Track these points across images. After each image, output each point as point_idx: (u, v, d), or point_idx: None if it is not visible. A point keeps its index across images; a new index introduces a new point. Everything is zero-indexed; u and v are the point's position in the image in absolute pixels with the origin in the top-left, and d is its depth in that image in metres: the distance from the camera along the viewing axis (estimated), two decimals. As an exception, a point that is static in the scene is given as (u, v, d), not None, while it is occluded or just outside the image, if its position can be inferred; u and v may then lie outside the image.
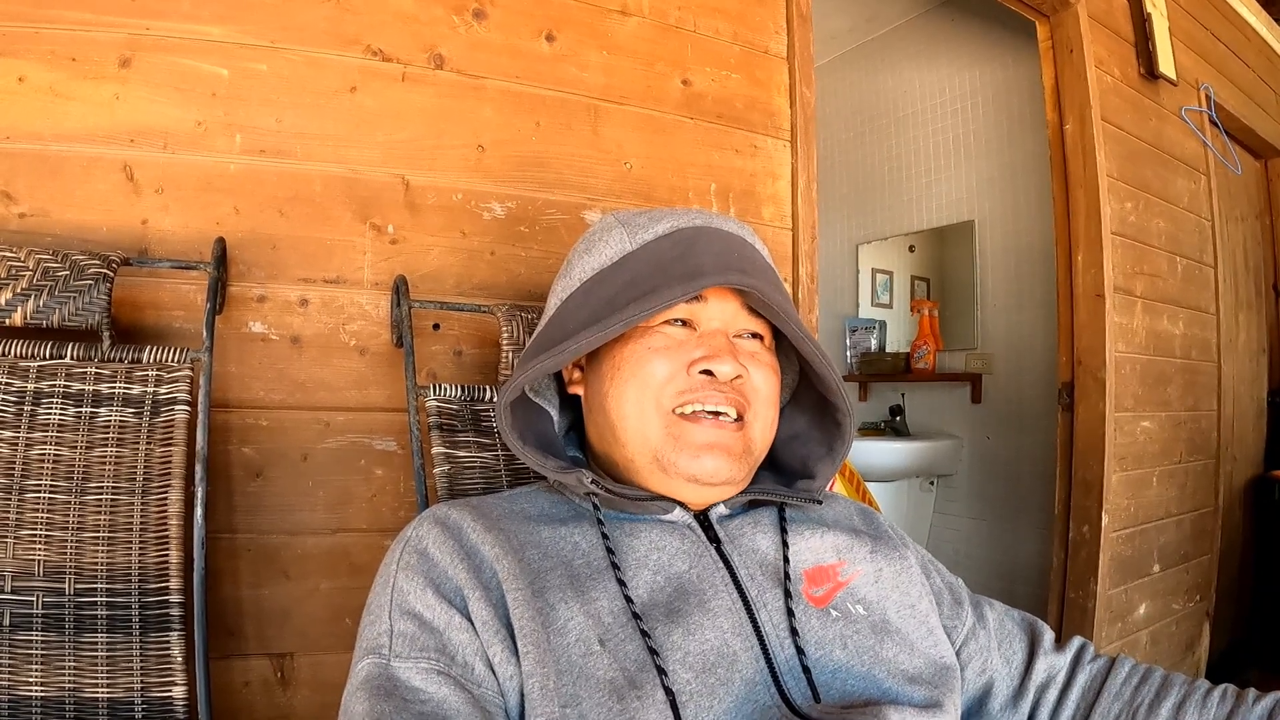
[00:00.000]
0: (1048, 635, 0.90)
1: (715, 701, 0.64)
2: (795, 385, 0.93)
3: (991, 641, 0.87)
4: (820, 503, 0.84)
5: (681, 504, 0.78)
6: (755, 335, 0.82)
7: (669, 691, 0.63)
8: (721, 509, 0.80)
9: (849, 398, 0.83)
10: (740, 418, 0.77)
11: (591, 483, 0.76)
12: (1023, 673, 0.87)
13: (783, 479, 0.88)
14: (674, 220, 0.84)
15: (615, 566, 0.72)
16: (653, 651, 0.65)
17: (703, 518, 0.79)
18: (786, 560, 0.77)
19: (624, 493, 0.77)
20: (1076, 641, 0.90)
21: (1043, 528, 2.79)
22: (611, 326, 0.74)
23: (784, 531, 0.80)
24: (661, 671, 0.64)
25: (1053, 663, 0.87)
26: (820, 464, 0.86)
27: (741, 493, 0.81)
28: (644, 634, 0.66)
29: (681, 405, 0.76)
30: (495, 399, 1.12)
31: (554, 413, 0.90)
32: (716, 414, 0.76)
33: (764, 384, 0.79)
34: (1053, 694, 0.86)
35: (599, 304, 0.78)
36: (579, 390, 0.86)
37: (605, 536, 0.74)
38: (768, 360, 0.81)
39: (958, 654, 0.85)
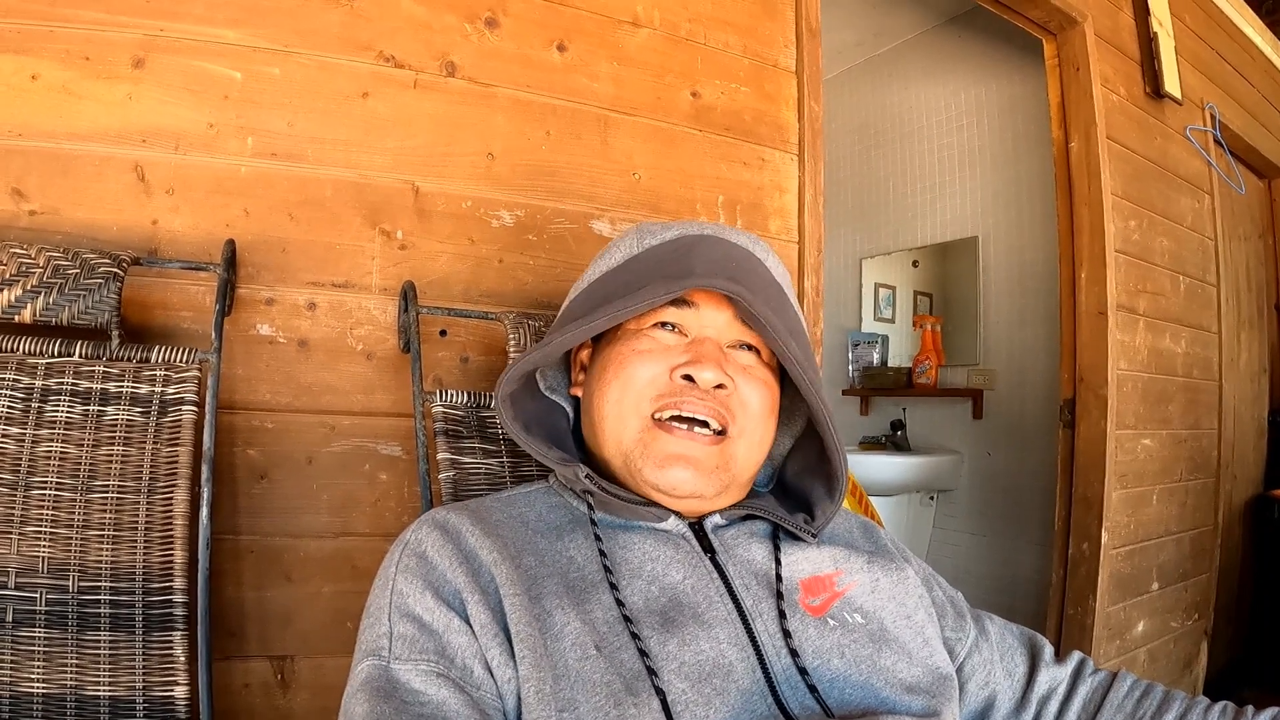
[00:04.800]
0: (1048, 649, 0.90)
1: (711, 711, 0.64)
2: (807, 420, 0.91)
3: (994, 655, 0.88)
4: (815, 535, 0.82)
5: (676, 512, 0.78)
6: (751, 348, 0.81)
7: (664, 701, 0.63)
8: (717, 519, 0.80)
9: (837, 434, 0.80)
10: (723, 431, 0.77)
11: (586, 477, 0.76)
12: (1025, 685, 0.87)
13: (786, 505, 0.87)
14: (684, 229, 0.85)
15: (608, 570, 0.72)
16: (644, 654, 0.65)
17: (697, 527, 0.79)
18: (779, 568, 0.77)
19: (616, 493, 0.77)
20: (1076, 655, 0.91)
21: (1042, 544, 2.78)
22: (594, 322, 0.74)
23: (776, 542, 0.80)
24: (654, 674, 0.64)
25: (1054, 675, 0.88)
26: (820, 504, 0.84)
27: (737, 506, 0.81)
28: (636, 639, 0.67)
29: (660, 410, 0.76)
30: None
31: (569, 408, 0.90)
32: (693, 423, 0.76)
33: (754, 399, 0.78)
34: (1054, 705, 0.87)
35: (594, 303, 0.79)
36: (579, 392, 0.87)
37: (601, 547, 0.74)
38: (761, 375, 0.80)
39: (961, 668, 0.85)
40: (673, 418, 0.76)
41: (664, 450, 0.75)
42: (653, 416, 0.76)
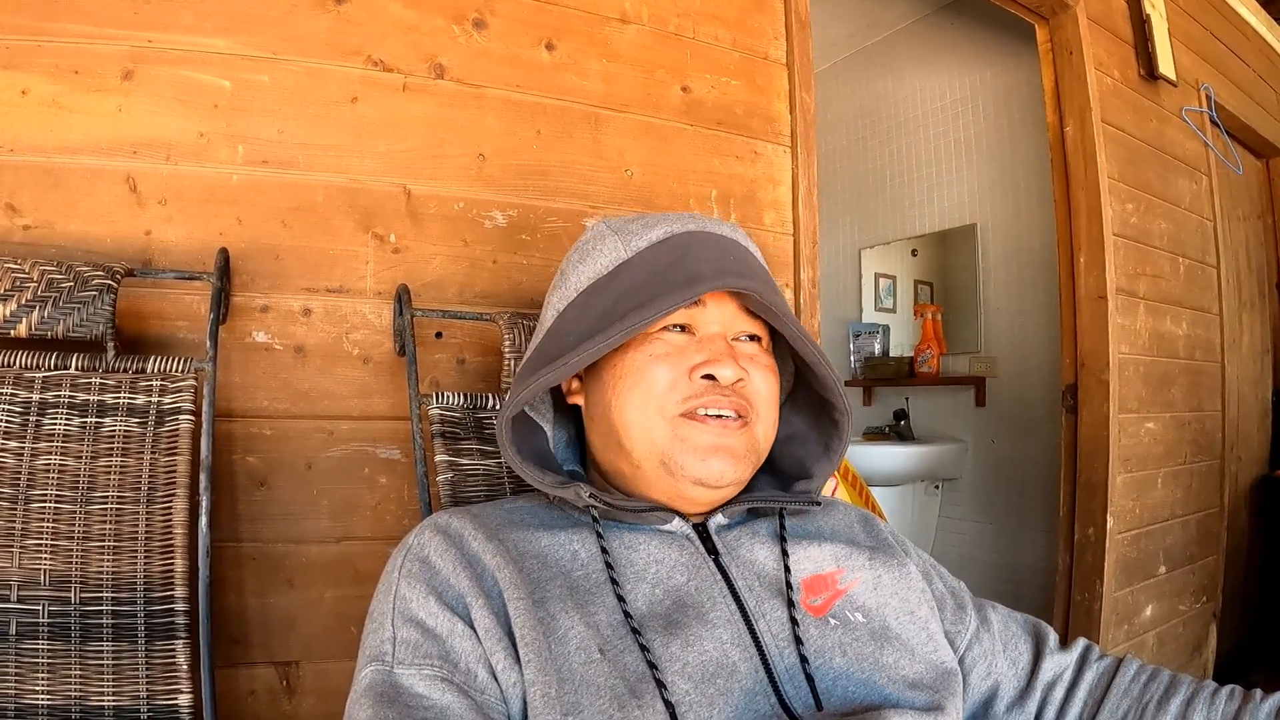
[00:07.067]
0: (1052, 636, 0.90)
1: (715, 711, 0.64)
2: (791, 387, 0.93)
3: (996, 645, 0.87)
4: (819, 504, 0.84)
5: (680, 514, 0.78)
6: (754, 338, 0.82)
7: (668, 703, 0.63)
8: (720, 519, 0.80)
9: (847, 397, 0.83)
10: (745, 419, 0.77)
11: (590, 496, 0.76)
12: (1029, 673, 0.87)
13: (779, 482, 0.87)
14: (668, 226, 0.83)
15: (614, 581, 0.72)
16: (651, 665, 0.66)
17: (701, 528, 0.79)
18: (788, 571, 0.77)
19: (622, 504, 0.76)
20: (1081, 642, 0.90)
21: (1048, 530, 2.78)
22: (612, 337, 0.74)
23: (783, 543, 0.80)
24: (661, 684, 0.64)
25: (1059, 662, 0.88)
26: (818, 464, 0.86)
27: (739, 500, 0.81)
28: (642, 647, 0.67)
29: (686, 411, 0.76)
30: (498, 409, 1.12)
31: (548, 427, 0.90)
32: (720, 416, 0.76)
33: (764, 385, 0.79)
34: (1060, 692, 0.87)
35: (597, 315, 0.78)
36: (579, 400, 0.86)
37: (604, 549, 0.74)
38: (766, 362, 0.81)
39: (962, 659, 0.85)
40: (700, 413, 0.76)
41: (702, 442, 0.75)
42: (679, 415, 0.76)
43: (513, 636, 0.66)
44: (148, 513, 0.94)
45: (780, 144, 1.60)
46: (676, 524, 0.78)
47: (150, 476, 0.96)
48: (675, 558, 0.76)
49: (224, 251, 1.08)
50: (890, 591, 0.80)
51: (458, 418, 1.10)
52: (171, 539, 0.94)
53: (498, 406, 1.12)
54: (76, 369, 0.97)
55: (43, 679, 0.87)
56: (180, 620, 0.92)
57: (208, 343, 1.02)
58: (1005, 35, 3.08)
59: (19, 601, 0.88)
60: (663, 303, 0.74)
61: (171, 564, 0.93)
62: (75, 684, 0.87)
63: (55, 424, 0.95)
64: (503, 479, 1.08)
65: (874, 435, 3.54)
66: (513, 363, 1.11)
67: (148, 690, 0.89)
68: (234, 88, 1.14)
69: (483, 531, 0.74)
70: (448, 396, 1.10)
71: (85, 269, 0.97)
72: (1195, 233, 2.67)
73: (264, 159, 1.15)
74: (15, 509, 0.90)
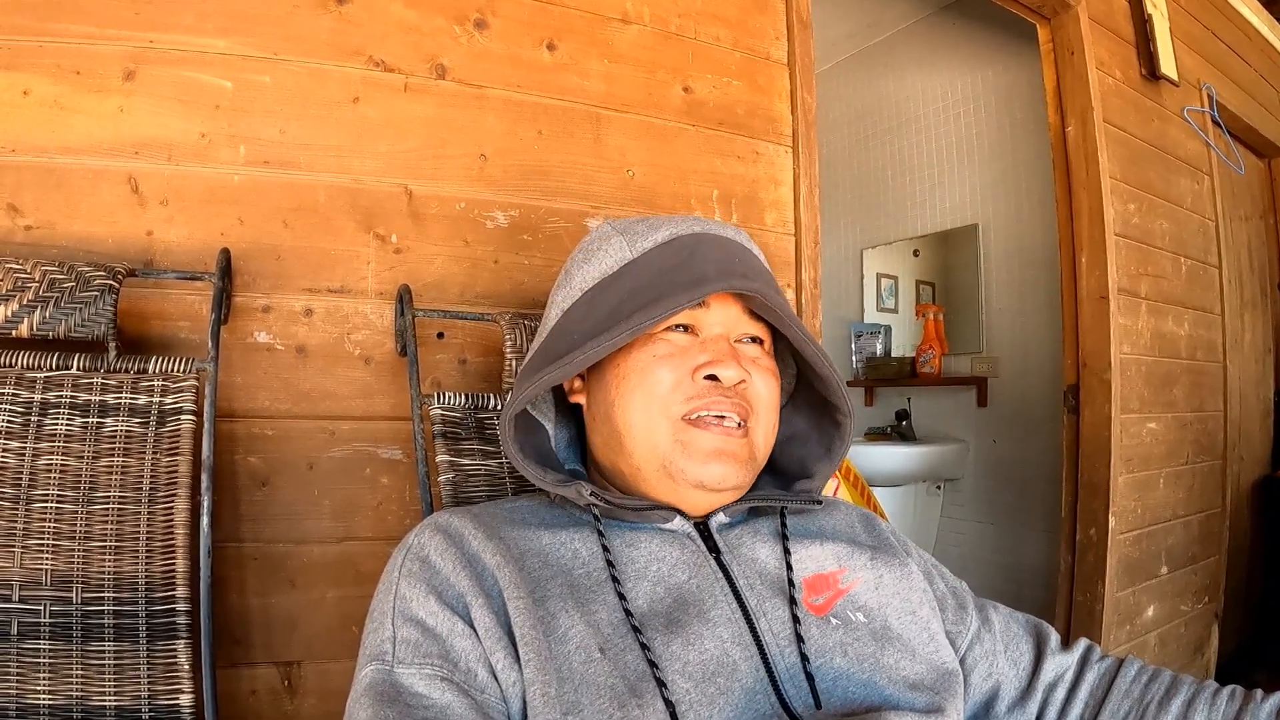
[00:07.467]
0: (1054, 636, 0.90)
1: (715, 710, 0.64)
2: (792, 387, 0.93)
3: (997, 645, 0.87)
4: (819, 503, 0.84)
5: (682, 512, 0.78)
6: (756, 340, 0.82)
7: (668, 702, 0.63)
8: (721, 517, 0.80)
9: (849, 399, 0.84)
10: (744, 423, 0.77)
11: (591, 494, 0.76)
12: (1030, 674, 0.87)
13: (780, 482, 0.88)
14: (673, 228, 0.84)
15: (615, 579, 0.72)
16: (652, 663, 0.65)
17: (702, 527, 0.79)
18: (790, 570, 0.77)
19: (624, 503, 0.76)
20: (1083, 643, 0.90)
21: (1050, 531, 2.78)
22: (618, 335, 0.74)
23: (785, 541, 0.80)
24: (661, 683, 0.64)
25: (1060, 662, 0.87)
26: (819, 464, 0.86)
27: (741, 500, 0.81)
28: (643, 646, 0.67)
29: (689, 412, 0.76)
30: (499, 409, 1.12)
31: (549, 426, 0.90)
32: (722, 418, 0.76)
33: (765, 389, 0.80)
34: (1061, 692, 0.86)
35: (603, 314, 0.78)
36: (580, 399, 0.86)
37: (605, 548, 0.74)
38: (768, 365, 0.81)
39: (963, 659, 0.85)
40: (702, 416, 0.76)
41: (704, 447, 0.75)
42: (681, 418, 0.76)
43: (513, 636, 0.66)
44: (149, 513, 0.94)
45: (781, 144, 1.60)
46: (678, 523, 0.78)
47: (152, 476, 0.96)
48: (676, 556, 0.76)
49: (225, 252, 1.08)
50: (892, 592, 0.80)
51: (459, 418, 1.10)
52: (173, 539, 0.94)
53: (499, 407, 1.12)
54: (78, 369, 0.97)
55: (44, 679, 0.87)
56: (182, 620, 0.92)
57: (209, 343, 1.02)
58: (1006, 35, 3.08)
59: (21, 601, 0.88)
60: (669, 303, 0.74)
61: (173, 564, 0.93)
62: (77, 684, 0.87)
63: (57, 424, 0.95)
64: (504, 479, 1.08)
65: (876, 435, 3.53)
66: (514, 363, 1.11)
67: (149, 690, 0.89)
68: (235, 88, 1.14)
69: (483, 531, 0.74)
70: (449, 397, 1.10)
71: (87, 269, 0.97)
72: (1197, 233, 2.66)
73: (265, 159, 1.15)
74: (17, 509, 0.90)
